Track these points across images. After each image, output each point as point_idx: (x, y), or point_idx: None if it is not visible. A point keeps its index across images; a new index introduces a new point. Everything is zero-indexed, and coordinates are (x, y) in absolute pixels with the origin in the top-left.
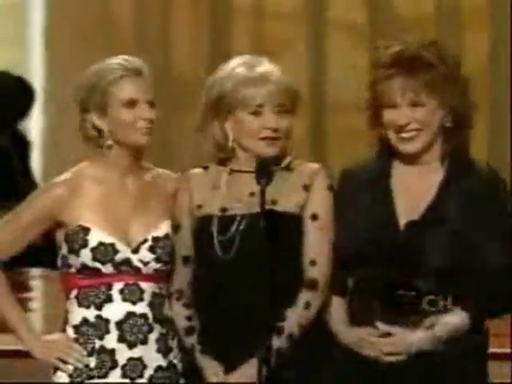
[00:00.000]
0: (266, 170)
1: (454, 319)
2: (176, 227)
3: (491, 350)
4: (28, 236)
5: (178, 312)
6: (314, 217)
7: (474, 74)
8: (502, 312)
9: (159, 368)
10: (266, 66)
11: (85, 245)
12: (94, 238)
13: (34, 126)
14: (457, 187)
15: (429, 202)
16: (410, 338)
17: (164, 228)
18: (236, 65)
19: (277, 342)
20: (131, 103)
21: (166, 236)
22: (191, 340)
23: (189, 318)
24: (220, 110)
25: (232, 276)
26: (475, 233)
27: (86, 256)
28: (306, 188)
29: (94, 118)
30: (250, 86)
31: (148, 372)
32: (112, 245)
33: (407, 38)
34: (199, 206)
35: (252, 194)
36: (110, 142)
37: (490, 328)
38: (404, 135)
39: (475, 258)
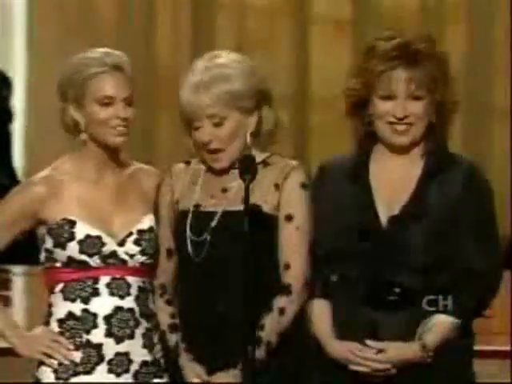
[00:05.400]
0: (249, 166)
1: (445, 327)
2: (158, 221)
3: (491, 348)
4: (8, 234)
5: (162, 308)
6: (289, 217)
7: (456, 70)
8: (483, 311)
9: (144, 363)
10: (215, 70)
11: (71, 238)
12: (81, 230)
13: (17, 119)
14: (437, 181)
15: (409, 197)
16: (402, 355)
17: (147, 221)
18: (195, 66)
19: (255, 353)
20: (107, 101)
21: (151, 229)
22: (175, 337)
23: (172, 315)
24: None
25: (203, 277)
26: (455, 228)
27: (72, 249)
28: (277, 187)
29: (71, 110)
30: (191, 95)
31: (133, 367)
32: (99, 237)
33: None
34: (177, 201)
35: (224, 191)
36: (84, 137)
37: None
38: (398, 128)
39: (456, 254)
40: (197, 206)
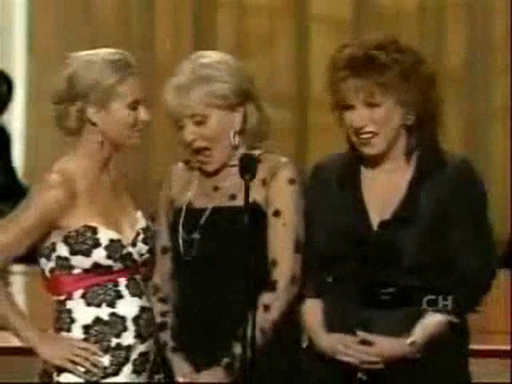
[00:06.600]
0: (249, 165)
1: (434, 324)
2: (156, 219)
3: (491, 347)
4: (28, 241)
5: (154, 307)
6: (277, 213)
7: (456, 70)
8: (475, 307)
9: (154, 361)
10: (197, 72)
11: (97, 244)
12: (104, 236)
13: (16, 118)
14: (427, 183)
15: (400, 200)
16: (391, 349)
17: (142, 219)
18: (179, 67)
19: (239, 349)
20: (136, 105)
21: (148, 226)
22: (164, 336)
23: (163, 314)
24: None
25: (192, 275)
26: (449, 229)
27: (98, 255)
28: (264, 183)
29: (90, 112)
30: (171, 96)
31: (149, 366)
32: (119, 241)
33: (390, 32)
34: (174, 200)
35: (216, 188)
36: (101, 139)
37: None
38: (361, 137)
39: (449, 254)
40: (189, 204)
